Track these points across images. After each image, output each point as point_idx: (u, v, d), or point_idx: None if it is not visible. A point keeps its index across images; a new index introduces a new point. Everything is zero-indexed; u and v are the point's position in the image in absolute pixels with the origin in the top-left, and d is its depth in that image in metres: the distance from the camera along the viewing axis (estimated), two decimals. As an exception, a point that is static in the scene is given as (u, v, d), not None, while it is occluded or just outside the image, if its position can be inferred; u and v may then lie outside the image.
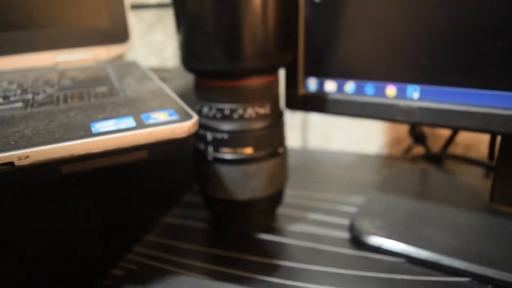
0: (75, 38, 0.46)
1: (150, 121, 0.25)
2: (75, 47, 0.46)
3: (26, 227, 0.28)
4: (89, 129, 0.24)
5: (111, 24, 0.47)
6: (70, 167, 0.23)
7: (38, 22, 0.44)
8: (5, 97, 0.33)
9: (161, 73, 0.57)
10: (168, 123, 0.24)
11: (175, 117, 0.25)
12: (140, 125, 0.24)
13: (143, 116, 0.26)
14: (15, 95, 0.34)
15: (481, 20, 0.31)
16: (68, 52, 0.46)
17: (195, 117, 0.25)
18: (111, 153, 0.23)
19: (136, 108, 0.27)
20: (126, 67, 0.43)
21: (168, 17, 0.72)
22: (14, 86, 0.36)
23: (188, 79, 0.52)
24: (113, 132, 0.23)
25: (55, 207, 0.31)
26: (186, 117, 0.25)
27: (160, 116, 0.25)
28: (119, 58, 0.51)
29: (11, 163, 0.21)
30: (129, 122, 0.25)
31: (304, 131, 0.69)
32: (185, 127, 0.25)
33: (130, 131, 0.23)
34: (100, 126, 0.24)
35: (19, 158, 0.21)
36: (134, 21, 0.74)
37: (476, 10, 0.31)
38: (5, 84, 0.38)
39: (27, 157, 0.22)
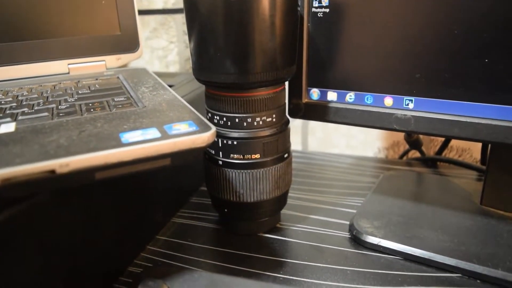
0: (87, 46, 0.48)
1: (173, 132, 0.27)
2: (87, 56, 0.48)
3: (56, 227, 0.31)
4: (119, 139, 0.27)
5: (122, 33, 0.50)
6: (103, 174, 0.26)
7: (52, 32, 0.46)
8: (29, 106, 0.36)
9: (167, 79, 0.60)
10: (189, 134, 0.27)
11: (195, 128, 0.28)
12: (165, 135, 0.27)
13: (166, 127, 0.28)
14: (39, 104, 0.36)
15: (471, 39, 0.34)
16: (80, 61, 0.48)
17: (213, 128, 0.28)
18: (140, 161, 0.26)
19: (157, 119, 0.30)
20: (137, 75, 0.46)
21: (171, 22, 0.75)
22: (35, 95, 0.39)
23: (193, 85, 0.55)
24: (142, 142, 0.26)
25: (79, 208, 0.33)
26: (205, 128, 0.28)
27: (182, 127, 0.28)
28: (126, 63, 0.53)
29: (52, 171, 0.24)
30: (154, 133, 0.27)
31: (304, 134, 0.71)
32: (204, 138, 0.27)
33: (157, 142, 0.26)
34: (129, 136, 0.27)
35: (60, 166, 0.24)
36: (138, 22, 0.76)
37: (465, 30, 0.34)
38: (25, 93, 0.40)
39: (67, 165, 0.24)
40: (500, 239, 0.39)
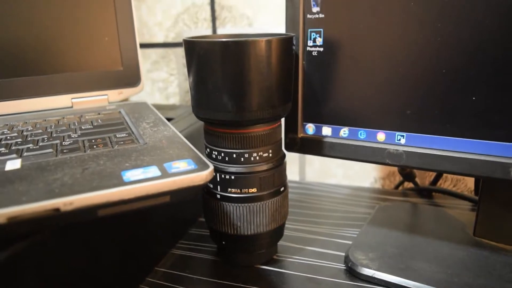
0: (90, 81, 0.50)
1: (173, 170, 0.29)
2: (90, 90, 0.50)
3: (57, 260, 0.32)
4: (120, 177, 0.28)
5: (124, 69, 0.51)
6: (105, 211, 0.27)
7: (56, 68, 0.48)
8: (34, 142, 0.37)
9: (167, 111, 0.62)
10: (188, 173, 0.28)
11: (193, 167, 0.29)
12: (165, 174, 0.28)
13: (165, 165, 0.29)
14: (43, 140, 0.37)
15: (458, 78, 0.36)
16: (83, 95, 0.50)
17: (211, 167, 0.29)
18: (140, 199, 0.27)
19: (157, 156, 0.31)
20: (138, 110, 0.47)
21: (172, 56, 0.77)
22: (40, 131, 0.40)
23: (192, 118, 0.57)
24: (142, 181, 0.27)
25: (78, 240, 0.34)
26: (203, 166, 0.29)
27: (181, 165, 0.29)
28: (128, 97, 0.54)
29: (57, 209, 0.25)
30: (154, 171, 0.29)
31: (302, 164, 0.73)
32: (203, 176, 0.28)
33: (157, 180, 0.27)
34: (130, 175, 0.28)
35: (64, 204, 0.25)
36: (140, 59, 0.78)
37: (453, 69, 0.36)
38: (30, 128, 0.41)
39: (71, 203, 0.25)
40: (492, 270, 0.40)
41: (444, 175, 0.64)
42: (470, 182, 0.65)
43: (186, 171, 0.29)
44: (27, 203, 0.25)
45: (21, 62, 0.46)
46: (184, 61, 0.76)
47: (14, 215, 0.25)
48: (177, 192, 0.28)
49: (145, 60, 0.79)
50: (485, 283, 0.38)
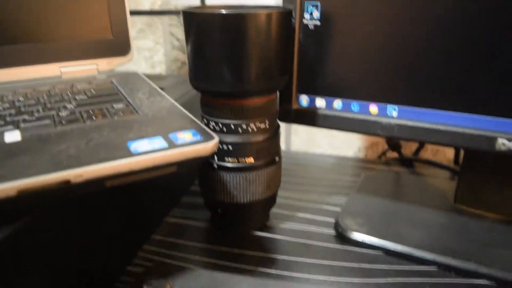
0: (79, 50, 0.49)
1: (179, 142, 0.29)
2: (79, 60, 0.49)
3: (63, 227, 0.32)
4: (127, 148, 0.28)
5: (114, 38, 0.51)
6: (113, 182, 0.28)
7: (45, 36, 0.47)
8: (29, 113, 0.36)
9: (157, 81, 0.61)
10: (194, 143, 0.29)
11: (199, 138, 0.30)
12: (171, 145, 0.29)
13: (171, 136, 0.30)
14: (38, 111, 0.37)
15: (449, 51, 0.37)
16: (72, 64, 0.49)
17: (216, 138, 0.30)
18: (148, 169, 0.28)
19: (160, 127, 0.32)
20: (130, 80, 0.47)
21: (158, 24, 0.76)
22: (32, 101, 0.39)
23: (183, 88, 0.57)
24: (150, 152, 0.28)
25: (75, 211, 0.35)
26: (208, 137, 0.30)
27: (186, 136, 0.30)
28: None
29: (67, 181, 0.26)
30: (160, 142, 0.29)
31: (287, 133, 0.74)
32: (209, 147, 0.29)
33: (165, 151, 0.28)
34: (137, 145, 0.28)
35: (75, 176, 0.26)
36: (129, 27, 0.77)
37: (444, 43, 0.37)
38: (21, 98, 0.41)
39: (81, 175, 0.26)
40: (471, 235, 0.42)
41: (425, 146, 0.67)
42: (448, 152, 0.67)
43: (192, 142, 0.29)
44: (36, 175, 0.25)
45: (8, 30, 0.45)
46: (171, 29, 0.75)
47: (24, 188, 0.25)
48: (184, 162, 0.29)
49: (131, 27, 0.77)
50: (465, 246, 0.41)
